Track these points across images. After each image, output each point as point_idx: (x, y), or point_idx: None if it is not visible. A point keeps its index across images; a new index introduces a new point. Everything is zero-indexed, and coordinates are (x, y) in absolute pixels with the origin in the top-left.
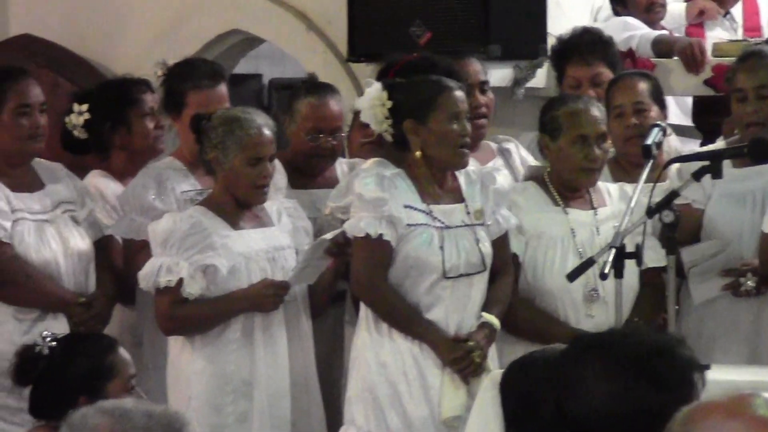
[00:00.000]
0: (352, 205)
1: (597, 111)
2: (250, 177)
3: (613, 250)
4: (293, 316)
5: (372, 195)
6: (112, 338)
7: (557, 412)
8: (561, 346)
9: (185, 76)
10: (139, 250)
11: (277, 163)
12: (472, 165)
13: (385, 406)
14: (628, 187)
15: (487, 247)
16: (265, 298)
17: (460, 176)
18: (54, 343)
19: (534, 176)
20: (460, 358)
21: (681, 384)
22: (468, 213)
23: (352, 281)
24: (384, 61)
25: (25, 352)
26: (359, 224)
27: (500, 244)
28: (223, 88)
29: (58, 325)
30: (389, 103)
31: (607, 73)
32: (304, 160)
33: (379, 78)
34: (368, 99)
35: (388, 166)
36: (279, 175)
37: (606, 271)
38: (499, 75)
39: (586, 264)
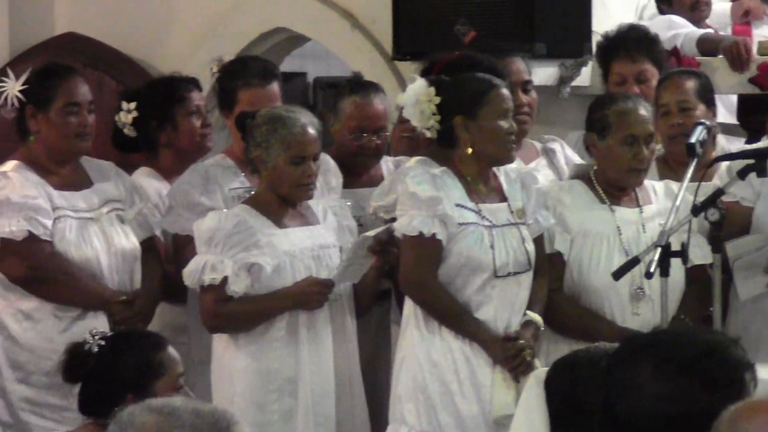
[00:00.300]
0: (400, 204)
1: (645, 111)
2: (294, 176)
3: (659, 249)
4: (338, 315)
5: (427, 194)
6: (161, 336)
7: (605, 412)
8: (605, 344)
9: (237, 74)
10: (185, 245)
11: (332, 163)
12: (514, 164)
13: (437, 405)
14: (674, 185)
15: (531, 246)
16: (309, 296)
17: (500, 175)
18: (103, 341)
19: (580, 174)
20: (513, 356)
21: (732, 384)
22: (511, 212)
23: (402, 280)
24: (426, 60)
25: (74, 350)
26: (412, 223)
27: (538, 243)
28: (274, 87)
29: (99, 324)
30: (437, 99)
31: (652, 71)
32: (348, 159)
33: (422, 77)
34: (413, 95)
35: (432, 165)
36: (333, 176)
37: (651, 270)
38: (544, 74)
39: (632, 263)
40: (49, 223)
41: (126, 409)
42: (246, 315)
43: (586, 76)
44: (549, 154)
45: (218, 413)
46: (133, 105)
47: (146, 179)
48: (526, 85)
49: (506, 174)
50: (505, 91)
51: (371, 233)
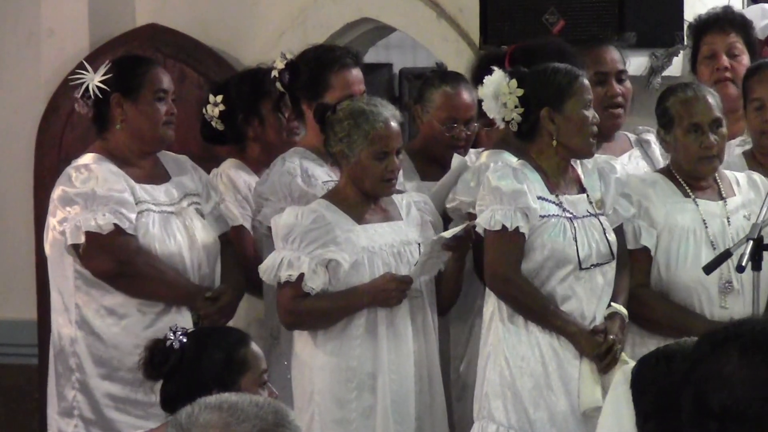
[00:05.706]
0: (481, 199)
1: (710, 97)
2: (377, 171)
3: (751, 243)
4: (418, 311)
5: (510, 188)
6: (244, 332)
7: (696, 408)
8: (695, 339)
9: (327, 59)
10: None
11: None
12: (603, 155)
13: (526, 401)
14: (756, 176)
15: (613, 237)
16: (387, 293)
17: (578, 166)
18: (185, 338)
19: (662, 168)
20: (605, 353)
21: None
22: (590, 203)
23: (487, 275)
24: (485, 51)
25: (155, 346)
26: (494, 217)
27: (618, 233)
28: (359, 71)
29: (182, 319)
30: (519, 92)
31: (742, 48)
32: (437, 150)
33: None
34: (492, 88)
35: (510, 157)
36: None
37: (743, 263)
38: (634, 63)
39: (723, 256)
40: (133, 216)
41: (182, 411)
42: (323, 312)
43: (678, 66)
44: (643, 145)
45: (274, 403)
46: (219, 98)
47: (235, 171)
48: (620, 75)
49: (583, 165)
50: (587, 81)
51: (448, 233)
